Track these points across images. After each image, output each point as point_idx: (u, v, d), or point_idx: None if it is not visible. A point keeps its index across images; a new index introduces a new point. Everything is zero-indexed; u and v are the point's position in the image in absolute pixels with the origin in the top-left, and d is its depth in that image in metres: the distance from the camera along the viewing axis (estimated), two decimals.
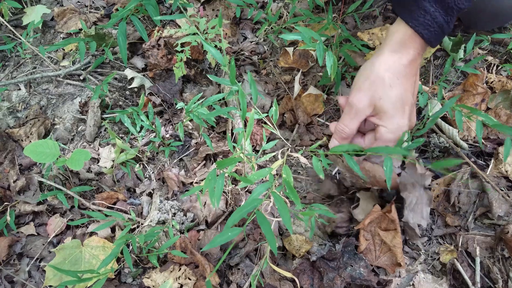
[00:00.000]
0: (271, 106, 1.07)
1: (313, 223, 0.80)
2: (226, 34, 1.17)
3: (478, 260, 0.80)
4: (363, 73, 0.75)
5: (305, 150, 0.79)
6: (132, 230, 0.92)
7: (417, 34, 0.69)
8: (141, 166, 1.02)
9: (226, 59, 1.06)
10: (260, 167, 0.97)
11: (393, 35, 0.73)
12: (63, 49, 1.24)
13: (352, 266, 0.79)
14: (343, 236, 0.86)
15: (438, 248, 0.84)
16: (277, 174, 0.95)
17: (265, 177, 0.88)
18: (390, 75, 0.71)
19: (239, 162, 0.90)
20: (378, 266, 0.83)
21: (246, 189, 0.93)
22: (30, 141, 1.06)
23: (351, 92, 0.76)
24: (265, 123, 0.99)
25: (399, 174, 0.82)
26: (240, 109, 1.09)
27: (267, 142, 0.98)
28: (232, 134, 1.01)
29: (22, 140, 1.07)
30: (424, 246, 0.85)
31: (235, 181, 0.95)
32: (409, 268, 0.83)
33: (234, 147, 0.88)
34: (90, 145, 1.07)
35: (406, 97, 0.72)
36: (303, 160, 0.79)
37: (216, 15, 1.22)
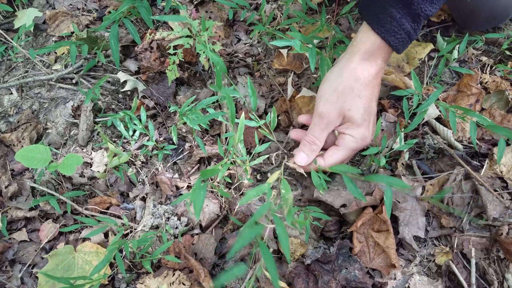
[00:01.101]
0: (265, 109, 1.06)
1: (307, 226, 0.80)
2: (220, 36, 1.16)
3: (473, 261, 0.79)
4: (331, 83, 0.74)
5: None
6: (126, 235, 0.91)
7: (385, 42, 0.69)
8: (134, 170, 1.01)
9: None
10: (254, 170, 0.97)
11: (362, 44, 0.72)
12: (55, 53, 1.23)
13: (347, 268, 0.79)
14: (337, 239, 0.85)
15: (433, 250, 0.83)
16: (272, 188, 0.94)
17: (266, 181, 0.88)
18: (359, 85, 0.71)
19: (233, 165, 0.89)
20: (373, 268, 0.82)
21: (240, 193, 0.92)
22: (22, 146, 1.05)
23: (318, 102, 0.75)
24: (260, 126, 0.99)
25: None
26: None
27: (261, 144, 0.98)
28: (227, 137, 1.01)
29: (14, 145, 1.06)
30: (419, 248, 0.84)
31: (229, 184, 0.94)
32: (405, 270, 0.82)
33: (225, 151, 0.88)
34: (83, 149, 1.06)
35: (371, 107, 0.73)
36: (300, 170, 0.79)
37: (210, 17, 1.21)
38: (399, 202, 0.82)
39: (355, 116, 0.72)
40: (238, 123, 0.71)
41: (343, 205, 0.82)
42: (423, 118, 0.93)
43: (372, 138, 0.77)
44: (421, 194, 0.85)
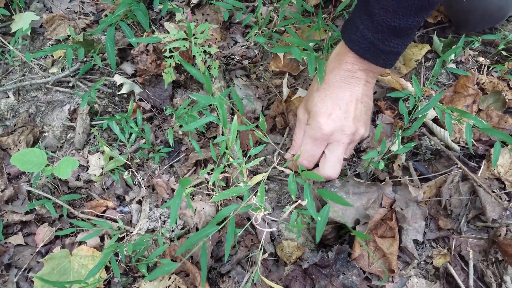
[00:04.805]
0: (262, 111, 1.06)
1: (299, 223, 0.78)
2: (216, 38, 1.16)
3: (471, 263, 0.79)
4: None
5: (294, 160, 0.78)
6: (121, 238, 0.91)
7: (349, 49, 0.73)
8: (131, 173, 1.00)
9: (216, 64, 1.05)
10: (250, 172, 0.96)
11: (333, 51, 0.80)
12: (52, 56, 1.23)
13: (344, 274, 0.78)
14: (335, 245, 0.85)
15: (431, 252, 0.83)
16: (267, 178, 0.94)
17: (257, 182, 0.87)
18: (318, 84, 0.78)
19: (228, 168, 0.89)
20: (371, 272, 0.82)
21: (236, 196, 0.91)
22: (19, 150, 1.05)
23: None
24: (256, 126, 0.98)
25: (394, 200, 0.83)
26: (231, 115, 1.08)
27: (258, 145, 0.97)
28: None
29: (10, 149, 1.06)
30: (417, 250, 0.84)
31: (226, 187, 0.94)
32: (402, 273, 0.82)
33: (218, 155, 0.87)
34: (79, 152, 1.06)
35: (332, 102, 0.75)
36: (288, 171, 0.78)
37: (206, 20, 1.21)
38: (402, 209, 0.81)
39: (310, 106, 0.78)
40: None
41: (357, 221, 0.81)
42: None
43: (348, 133, 0.76)
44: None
